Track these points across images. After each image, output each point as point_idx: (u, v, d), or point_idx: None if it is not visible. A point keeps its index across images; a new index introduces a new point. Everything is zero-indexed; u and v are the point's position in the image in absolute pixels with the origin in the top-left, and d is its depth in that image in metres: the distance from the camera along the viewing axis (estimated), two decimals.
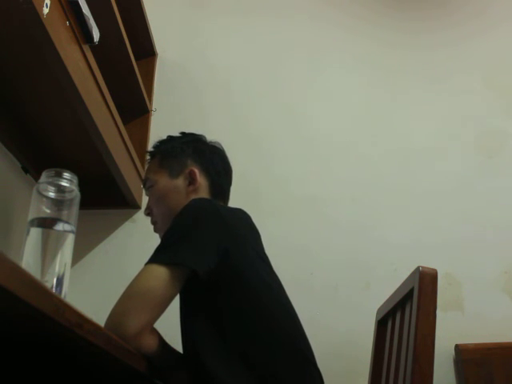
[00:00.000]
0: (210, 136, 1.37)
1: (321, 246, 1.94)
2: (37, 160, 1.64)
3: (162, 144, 1.34)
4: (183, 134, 1.37)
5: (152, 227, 1.32)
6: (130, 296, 0.98)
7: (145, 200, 1.41)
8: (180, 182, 1.26)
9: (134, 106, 2.01)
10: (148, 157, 1.37)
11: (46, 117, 1.49)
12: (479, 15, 2.29)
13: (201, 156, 1.30)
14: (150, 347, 0.98)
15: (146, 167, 1.38)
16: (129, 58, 1.78)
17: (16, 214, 1.61)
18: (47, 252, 1.16)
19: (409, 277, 1.16)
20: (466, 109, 2.15)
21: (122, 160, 1.68)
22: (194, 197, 1.22)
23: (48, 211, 1.20)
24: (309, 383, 1.08)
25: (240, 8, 2.30)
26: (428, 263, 1.09)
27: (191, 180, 1.26)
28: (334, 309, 1.85)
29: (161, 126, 2.04)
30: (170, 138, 1.35)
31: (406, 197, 2.02)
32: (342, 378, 1.72)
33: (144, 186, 1.35)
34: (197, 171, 1.27)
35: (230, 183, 1.35)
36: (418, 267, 1.08)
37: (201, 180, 1.27)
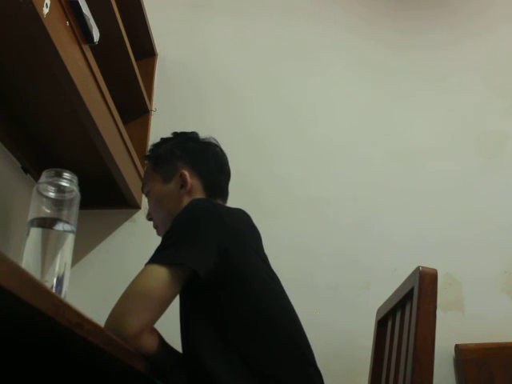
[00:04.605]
0: (210, 136, 1.37)
1: (321, 246, 1.94)
2: (37, 160, 1.64)
3: (155, 147, 1.34)
4: (175, 134, 1.36)
5: (152, 227, 1.32)
6: (130, 296, 0.98)
7: (145, 200, 1.42)
8: (172, 186, 1.26)
9: (134, 106, 2.01)
10: (146, 161, 1.37)
11: (46, 117, 1.49)
12: (479, 15, 2.29)
13: (191, 156, 1.29)
14: (150, 347, 0.98)
15: (145, 169, 1.38)
16: (129, 57, 1.78)
17: (16, 213, 1.61)
18: (47, 252, 1.16)
19: (409, 277, 1.16)
20: (466, 109, 2.15)
21: (122, 160, 1.68)
22: (188, 199, 1.21)
23: (48, 211, 1.20)
24: (308, 383, 1.08)
25: (240, 8, 2.30)
26: (428, 263, 1.09)
27: (183, 183, 1.25)
28: (334, 309, 1.85)
29: (161, 126, 2.04)
30: (163, 141, 1.34)
31: (405, 197, 2.02)
32: (342, 378, 1.72)
33: (143, 192, 1.35)
34: (187, 173, 1.25)
35: (227, 178, 1.33)
36: (418, 267, 1.08)
37: (193, 181, 1.25)
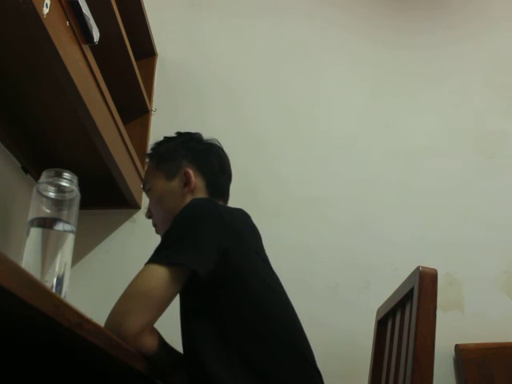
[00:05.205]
0: (210, 136, 1.37)
1: (321, 246, 1.94)
2: (37, 160, 1.64)
3: (158, 146, 1.34)
4: (179, 134, 1.36)
5: (152, 227, 1.32)
6: (130, 296, 0.98)
7: (145, 200, 1.42)
8: (175, 183, 1.26)
9: (134, 106, 2.01)
10: (147, 159, 1.37)
11: (46, 117, 1.49)
12: (479, 15, 2.29)
13: (196, 156, 1.29)
14: (150, 347, 0.98)
15: (145, 169, 1.38)
16: (129, 57, 1.78)
17: (16, 214, 1.61)
18: (47, 252, 1.16)
19: (409, 277, 1.16)
20: (466, 109, 2.15)
21: (122, 160, 1.68)
22: (190, 198, 1.21)
23: (48, 211, 1.20)
24: (308, 383, 1.08)
25: (240, 8, 2.30)
26: (428, 263, 1.09)
27: (186, 181, 1.25)
28: (334, 309, 1.85)
29: (161, 126, 2.04)
30: (167, 140, 1.35)
31: (405, 197, 2.02)
32: (342, 378, 1.72)
33: (144, 189, 1.35)
34: (191, 172, 1.26)
35: (228, 180, 1.34)
36: (418, 267, 1.08)
37: (196, 180, 1.26)
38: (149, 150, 1.37)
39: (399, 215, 1.99)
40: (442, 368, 1.75)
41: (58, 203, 1.21)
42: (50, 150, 1.64)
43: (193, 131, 1.37)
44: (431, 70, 2.21)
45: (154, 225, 1.31)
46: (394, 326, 1.25)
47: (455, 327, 1.79)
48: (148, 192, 1.31)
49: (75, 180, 1.25)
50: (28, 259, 1.15)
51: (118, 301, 0.97)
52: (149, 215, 1.32)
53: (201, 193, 1.26)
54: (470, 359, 1.72)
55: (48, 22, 1.07)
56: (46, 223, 1.19)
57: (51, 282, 1.15)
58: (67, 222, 1.21)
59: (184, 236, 1.04)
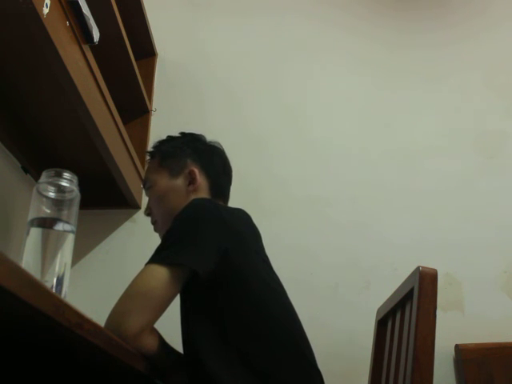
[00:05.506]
0: (210, 136, 1.37)
1: (321, 245, 1.94)
2: (37, 160, 1.64)
3: (161, 144, 1.34)
4: (183, 134, 1.37)
5: (152, 227, 1.32)
6: (131, 296, 0.98)
7: (145, 200, 1.41)
8: (180, 181, 1.26)
9: (134, 106, 2.01)
10: (148, 157, 1.37)
11: (46, 117, 1.49)
12: (479, 15, 2.29)
13: (200, 156, 1.30)
14: (150, 347, 0.98)
15: (145, 167, 1.38)
16: (129, 57, 1.78)
17: (16, 214, 1.61)
18: (47, 252, 1.16)
19: (409, 277, 1.16)
20: (466, 109, 2.15)
21: (122, 160, 1.68)
22: (193, 196, 1.22)
23: (48, 211, 1.20)
24: (309, 383, 1.08)
25: (240, 8, 2.30)
26: (428, 263, 1.09)
27: (191, 180, 1.26)
28: (334, 309, 1.85)
29: (161, 126, 2.04)
30: (170, 139, 1.35)
31: (405, 197, 2.02)
32: (342, 378, 1.72)
33: (144, 187, 1.35)
34: (196, 171, 1.27)
35: (229, 183, 1.35)
36: (418, 267, 1.08)
37: (200, 180, 1.27)
38: (150, 148, 1.37)
39: (399, 215, 1.99)
40: (442, 368, 1.75)
41: (58, 203, 1.21)
42: (50, 150, 1.64)
43: (193, 131, 1.38)
44: (431, 69, 2.21)
45: (154, 222, 1.31)
46: (394, 326, 1.25)
47: (455, 327, 1.79)
48: (148, 189, 1.31)
49: (75, 180, 1.25)
50: (28, 259, 1.15)
51: (119, 301, 0.97)
52: (148, 212, 1.32)
53: (203, 193, 1.26)
54: (470, 359, 1.72)
55: (48, 22, 1.07)
56: (46, 223, 1.19)
57: (51, 282, 1.15)
58: (67, 222, 1.20)
59: (184, 236, 1.04)
